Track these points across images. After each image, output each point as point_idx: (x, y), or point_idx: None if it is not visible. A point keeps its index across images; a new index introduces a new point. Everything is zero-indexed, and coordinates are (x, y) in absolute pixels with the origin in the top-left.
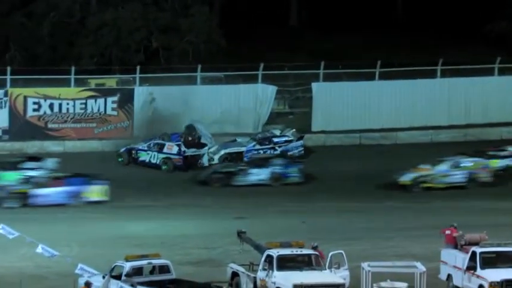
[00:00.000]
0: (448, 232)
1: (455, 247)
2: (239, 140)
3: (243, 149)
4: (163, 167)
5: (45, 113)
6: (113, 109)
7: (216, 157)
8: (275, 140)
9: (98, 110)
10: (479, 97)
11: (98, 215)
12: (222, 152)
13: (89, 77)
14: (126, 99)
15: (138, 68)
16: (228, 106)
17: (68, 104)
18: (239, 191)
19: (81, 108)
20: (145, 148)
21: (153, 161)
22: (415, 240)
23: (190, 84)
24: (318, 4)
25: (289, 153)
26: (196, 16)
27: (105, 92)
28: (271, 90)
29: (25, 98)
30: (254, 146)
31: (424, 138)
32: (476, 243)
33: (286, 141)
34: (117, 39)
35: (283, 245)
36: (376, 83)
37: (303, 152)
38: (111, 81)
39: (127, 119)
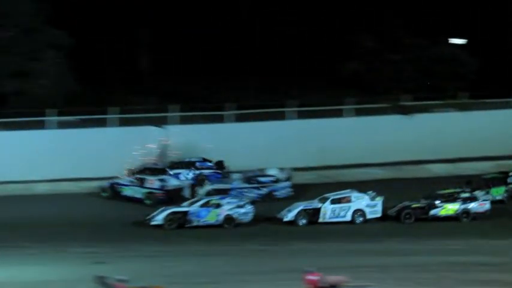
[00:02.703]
0: (311, 278)
1: None
2: (233, 177)
3: (229, 186)
4: (146, 201)
5: None
6: None
7: (202, 192)
8: (261, 179)
9: None
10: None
11: None
12: (209, 188)
13: None
14: None
15: None
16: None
17: None
18: None
19: None
20: (128, 183)
21: (137, 196)
22: (275, 284)
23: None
24: (165, 49)
25: (276, 194)
26: (47, 60)
27: None
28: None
29: None
30: (240, 184)
31: None
32: (337, 286)
33: (273, 181)
34: None
35: None
36: (231, 125)
37: (291, 193)
38: None
39: None
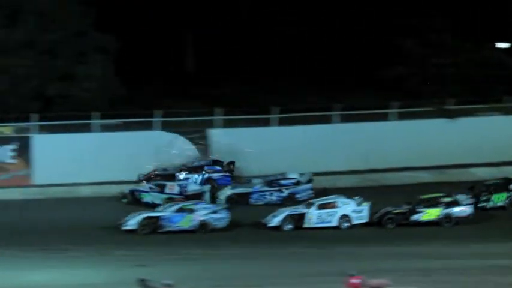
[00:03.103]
0: (353, 281)
1: None
2: (254, 181)
3: (250, 190)
4: None
5: None
6: (11, 157)
7: (222, 197)
8: (282, 182)
9: None
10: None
11: None
12: (229, 192)
13: None
14: (24, 147)
15: (37, 116)
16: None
17: None
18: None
19: None
20: (147, 190)
21: (157, 202)
22: (317, 287)
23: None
24: (211, 52)
25: (297, 196)
26: (92, 63)
27: (1, 141)
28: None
29: None
30: (261, 187)
31: (325, 184)
32: None
33: (294, 184)
34: (13, 87)
35: None
36: (275, 128)
37: (312, 195)
38: (7, 129)
39: (26, 167)
